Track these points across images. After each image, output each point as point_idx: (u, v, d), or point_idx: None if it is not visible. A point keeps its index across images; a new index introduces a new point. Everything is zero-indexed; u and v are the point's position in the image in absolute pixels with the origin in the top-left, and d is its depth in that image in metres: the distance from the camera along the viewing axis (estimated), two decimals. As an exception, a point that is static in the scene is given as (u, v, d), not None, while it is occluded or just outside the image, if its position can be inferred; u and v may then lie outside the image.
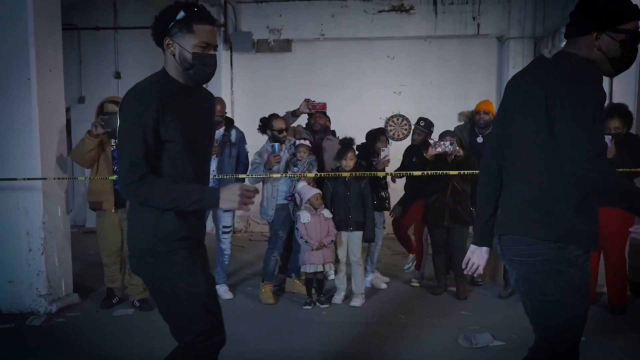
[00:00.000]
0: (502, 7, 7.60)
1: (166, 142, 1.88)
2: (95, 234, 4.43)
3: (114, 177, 4.07)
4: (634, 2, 1.81)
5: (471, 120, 4.99)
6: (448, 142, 4.36)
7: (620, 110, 4.04)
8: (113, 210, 4.13)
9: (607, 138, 3.73)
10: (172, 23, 1.87)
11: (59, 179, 4.28)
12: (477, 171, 3.76)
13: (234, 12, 7.80)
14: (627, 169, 3.76)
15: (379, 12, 7.73)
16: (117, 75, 7.97)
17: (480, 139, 4.87)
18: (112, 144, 4.19)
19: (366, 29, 7.74)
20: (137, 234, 1.95)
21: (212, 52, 1.91)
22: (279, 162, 4.32)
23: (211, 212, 4.55)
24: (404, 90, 7.78)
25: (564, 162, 1.72)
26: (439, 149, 4.35)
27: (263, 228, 7.45)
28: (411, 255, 5.12)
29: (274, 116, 4.53)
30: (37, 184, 4.05)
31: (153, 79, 1.93)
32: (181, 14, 1.87)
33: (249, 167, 4.57)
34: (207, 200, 1.87)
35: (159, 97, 1.85)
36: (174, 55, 1.90)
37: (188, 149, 1.93)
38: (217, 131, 4.38)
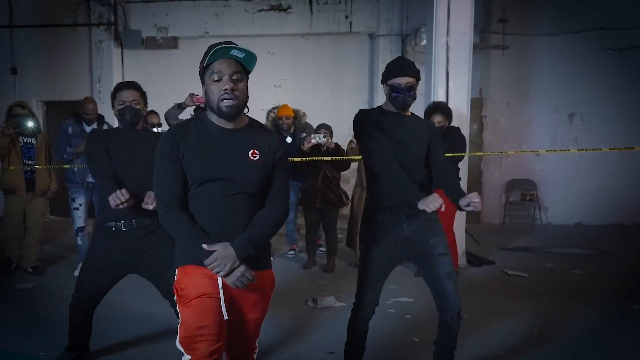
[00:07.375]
0: (372, 7, 8.08)
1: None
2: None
3: (30, 166, 4.93)
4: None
5: (275, 125, 5.47)
6: (322, 135, 4.69)
7: (442, 107, 4.48)
8: (25, 195, 4.95)
9: None
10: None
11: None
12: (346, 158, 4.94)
13: (124, 11, 8.08)
14: (450, 154, 4.24)
15: (259, 11, 8.15)
16: (14, 71, 8.21)
17: (289, 139, 5.35)
18: (20, 141, 4.91)
19: (247, 27, 8.13)
20: None
21: (127, 105, 2.83)
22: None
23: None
24: (283, 84, 8.14)
25: None
26: (314, 141, 4.67)
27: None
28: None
29: (150, 112, 5.29)
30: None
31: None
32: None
33: None
34: None
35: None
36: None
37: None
38: (90, 127, 5.05)
